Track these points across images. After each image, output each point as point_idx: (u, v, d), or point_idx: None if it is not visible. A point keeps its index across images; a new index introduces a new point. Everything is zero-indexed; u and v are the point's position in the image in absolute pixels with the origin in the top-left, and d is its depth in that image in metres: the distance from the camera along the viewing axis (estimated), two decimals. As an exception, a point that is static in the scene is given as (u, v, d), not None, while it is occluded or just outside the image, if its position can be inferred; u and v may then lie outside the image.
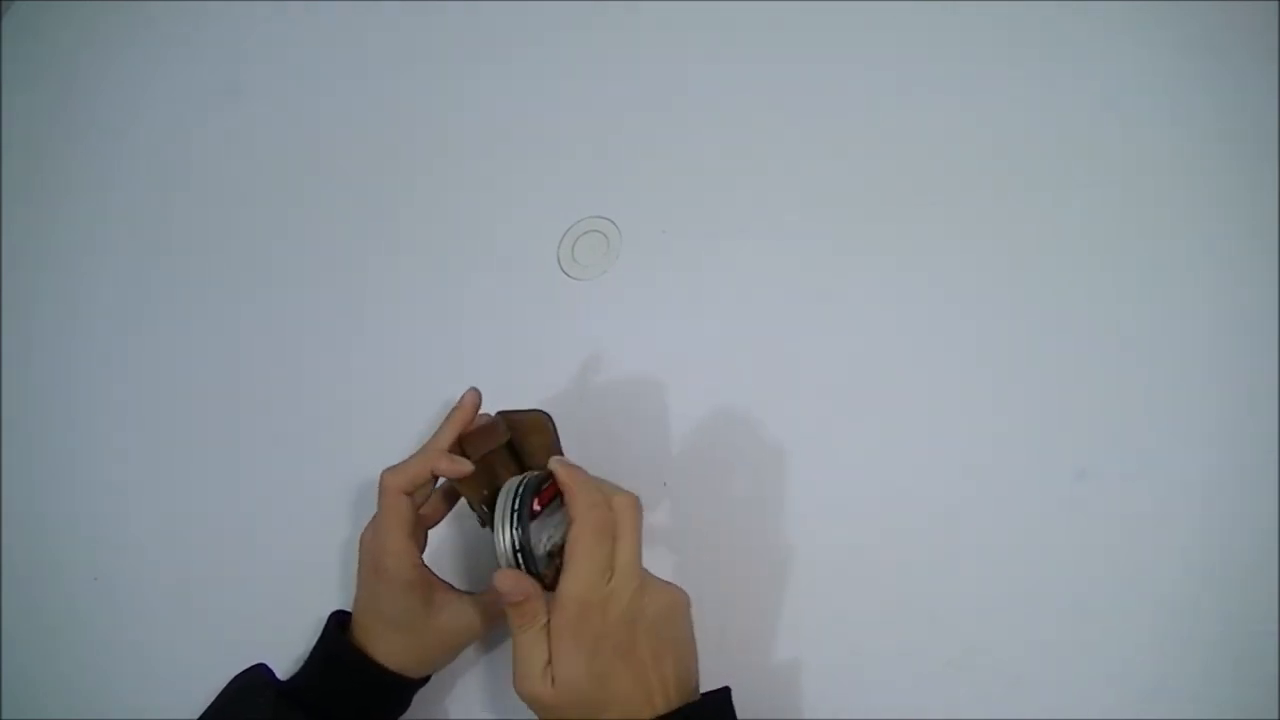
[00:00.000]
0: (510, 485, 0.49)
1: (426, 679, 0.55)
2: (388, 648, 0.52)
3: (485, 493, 0.52)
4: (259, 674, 0.54)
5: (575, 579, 0.46)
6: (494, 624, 0.54)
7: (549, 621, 0.46)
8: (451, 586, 0.54)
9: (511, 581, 0.46)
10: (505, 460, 0.54)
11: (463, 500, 0.55)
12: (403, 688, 0.53)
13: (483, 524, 0.53)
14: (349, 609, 0.54)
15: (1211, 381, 0.53)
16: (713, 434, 0.60)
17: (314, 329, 0.73)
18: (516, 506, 0.48)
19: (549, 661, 0.46)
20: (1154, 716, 0.48)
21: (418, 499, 0.52)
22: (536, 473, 0.50)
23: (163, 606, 0.67)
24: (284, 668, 0.55)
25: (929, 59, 0.67)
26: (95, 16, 0.96)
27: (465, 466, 0.51)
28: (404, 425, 0.67)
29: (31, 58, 0.97)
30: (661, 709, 0.45)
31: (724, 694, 0.47)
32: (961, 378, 0.58)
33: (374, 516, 0.52)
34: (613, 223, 0.69)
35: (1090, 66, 0.64)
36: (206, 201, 0.82)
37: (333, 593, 0.63)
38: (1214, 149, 0.59)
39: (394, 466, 0.52)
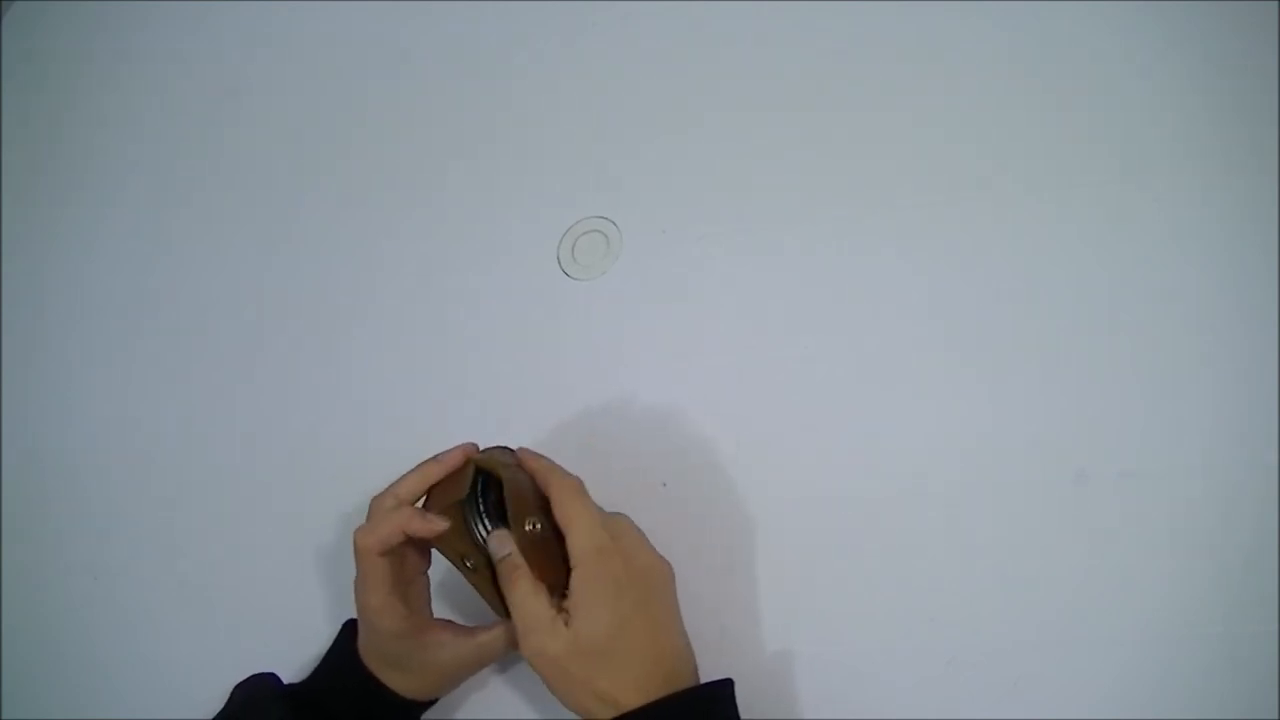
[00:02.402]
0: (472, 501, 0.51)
1: (434, 700, 0.55)
2: (390, 677, 0.52)
3: (460, 547, 0.51)
4: (267, 683, 0.54)
5: (580, 531, 0.48)
6: (492, 659, 0.54)
7: (572, 584, 0.47)
8: (449, 624, 0.54)
9: (499, 540, 0.49)
10: (473, 510, 0.52)
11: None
12: (410, 707, 0.53)
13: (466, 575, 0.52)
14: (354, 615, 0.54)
15: (1212, 381, 0.53)
16: (712, 434, 0.60)
17: (315, 328, 0.73)
18: (483, 508, 0.51)
19: (556, 615, 0.47)
20: (1154, 716, 0.48)
21: (395, 555, 0.50)
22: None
23: (163, 606, 0.67)
24: (287, 667, 0.55)
25: (928, 58, 0.67)
26: (95, 16, 0.96)
27: (439, 526, 0.50)
28: (405, 424, 0.67)
29: (31, 58, 0.97)
30: (662, 684, 0.46)
31: (727, 685, 0.47)
32: (962, 377, 0.58)
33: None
34: (613, 223, 0.70)
35: (1090, 66, 0.64)
36: (207, 202, 0.82)
37: (335, 593, 0.63)
38: (1214, 148, 0.59)
39: (366, 526, 0.50)
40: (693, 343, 0.64)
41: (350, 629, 0.54)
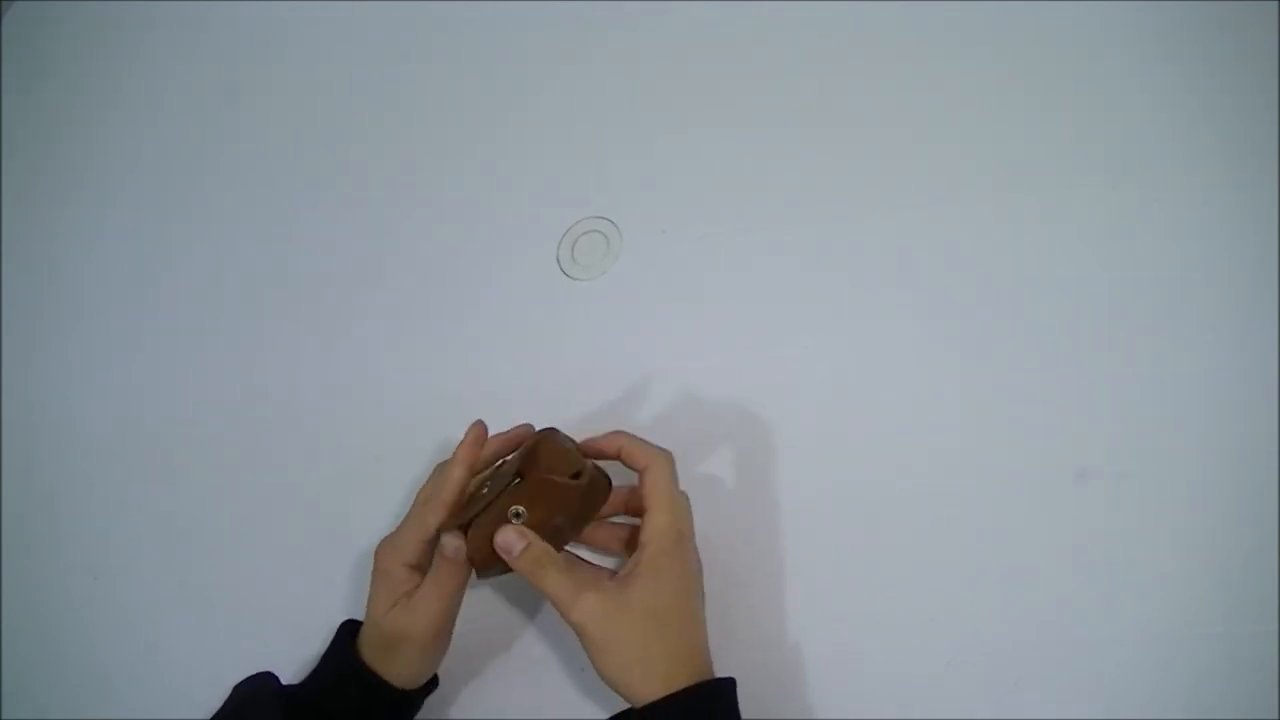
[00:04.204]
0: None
1: (435, 683, 0.55)
2: (386, 667, 0.52)
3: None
4: (266, 682, 0.54)
5: (666, 512, 0.50)
6: (451, 587, 0.51)
7: (639, 556, 0.49)
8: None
9: (511, 534, 0.48)
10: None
11: None
12: (411, 698, 0.53)
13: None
14: (354, 615, 0.54)
15: (1211, 381, 0.53)
16: (713, 433, 0.60)
17: (315, 329, 0.73)
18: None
19: (601, 574, 0.49)
20: (1154, 716, 0.48)
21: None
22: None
23: (163, 606, 0.67)
24: (287, 667, 0.55)
25: (928, 59, 0.67)
26: (96, 16, 0.96)
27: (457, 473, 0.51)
28: (406, 426, 0.67)
29: (31, 58, 0.97)
30: (694, 671, 0.47)
31: (729, 683, 0.48)
32: (962, 378, 0.58)
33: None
34: (613, 223, 0.70)
35: (1089, 66, 0.64)
36: (206, 203, 0.82)
37: (334, 592, 0.62)
38: (1214, 148, 0.59)
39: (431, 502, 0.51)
40: (693, 343, 0.64)
41: (348, 629, 0.54)
